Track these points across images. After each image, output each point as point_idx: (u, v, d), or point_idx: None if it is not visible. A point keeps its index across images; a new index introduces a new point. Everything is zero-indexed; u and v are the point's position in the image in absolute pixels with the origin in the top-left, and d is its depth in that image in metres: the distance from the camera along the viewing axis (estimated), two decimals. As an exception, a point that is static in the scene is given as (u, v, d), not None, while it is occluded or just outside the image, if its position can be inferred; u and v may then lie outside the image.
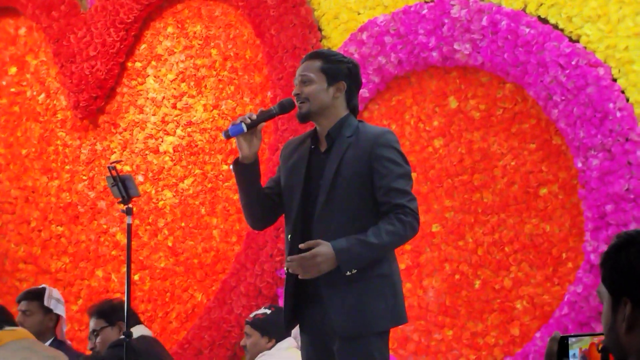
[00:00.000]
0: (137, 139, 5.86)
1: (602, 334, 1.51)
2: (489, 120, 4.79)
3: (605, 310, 1.51)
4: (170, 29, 5.84)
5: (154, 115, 5.83)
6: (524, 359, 4.51)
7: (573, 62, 4.41)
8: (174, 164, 5.74)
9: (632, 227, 4.25)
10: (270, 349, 4.10)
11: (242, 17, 5.54)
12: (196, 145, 5.68)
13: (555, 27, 4.57)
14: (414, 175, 4.83)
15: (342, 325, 2.82)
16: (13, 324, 4.02)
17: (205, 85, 5.68)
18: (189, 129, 5.71)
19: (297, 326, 3.02)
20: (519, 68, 4.55)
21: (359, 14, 5.13)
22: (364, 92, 4.84)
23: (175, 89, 5.78)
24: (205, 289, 5.53)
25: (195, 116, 5.70)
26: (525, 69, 4.53)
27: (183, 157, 5.71)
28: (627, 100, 4.37)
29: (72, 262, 6.00)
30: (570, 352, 1.48)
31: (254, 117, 2.91)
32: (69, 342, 4.88)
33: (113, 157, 5.82)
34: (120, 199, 4.00)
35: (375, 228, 2.80)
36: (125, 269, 3.97)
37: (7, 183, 6.30)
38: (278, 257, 5.08)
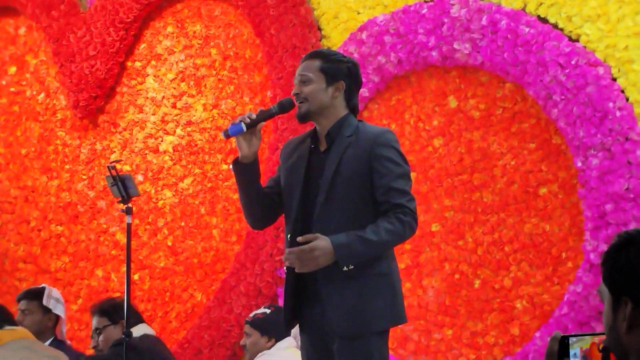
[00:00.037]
0: (137, 139, 5.86)
1: (602, 333, 1.51)
2: (489, 120, 4.79)
3: (606, 309, 1.51)
4: (169, 29, 5.84)
5: (153, 114, 5.83)
6: (523, 359, 4.51)
7: (573, 62, 4.41)
8: (174, 164, 5.74)
9: (632, 226, 4.25)
10: (269, 348, 4.10)
11: (242, 16, 5.54)
12: (196, 145, 5.68)
13: (555, 26, 4.57)
14: (413, 174, 4.86)
15: (341, 324, 2.82)
16: (13, 323, 4.02)
17: (205, 85, 5.69)
18: (188, 129, 5.71)
19: (297, 326, 3.02)
20: (519, 67, 4.55)
21: (358, 13, 5.13)
22: (363, 92, 4.84)
23: (175, 88, 5.78)
24: (205, 289, 5.53)
25: (195, 116, 5.70)
26: (525, 69, 4.53)
27: (183, 156, 5.71)
28: (627, 99, 4.37)
29: (71, 261, 6.00)
30: (571, 352, 1.48)
31: (254, 116, 2.92)
32: (68, 341, 4.88)
33: (113, 157, 5.82)
34: (120, 199, 4.00)
35: (374, 226, 2.80)
36: (125, 269, 3.97)
37: (7, 182, 6.30)
38: (278, 257, 5.08)
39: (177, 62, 5.78)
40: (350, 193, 2.85)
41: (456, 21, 4.71)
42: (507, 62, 4.58)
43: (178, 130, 5.75)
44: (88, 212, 5.98)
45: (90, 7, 5.98)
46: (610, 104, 4.32)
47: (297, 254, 2.76)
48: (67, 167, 6.08)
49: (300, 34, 5.16)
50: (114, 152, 5.91)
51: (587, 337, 1.50)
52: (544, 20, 4.61)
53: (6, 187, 6.29)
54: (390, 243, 2.82)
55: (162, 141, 5.79)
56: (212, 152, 5.62)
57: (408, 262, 4.89)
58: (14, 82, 6.37)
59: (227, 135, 2.91)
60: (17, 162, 6.29)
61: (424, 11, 4.81)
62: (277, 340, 4.09)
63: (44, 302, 4.59)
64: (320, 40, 5.17)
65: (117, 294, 5.44)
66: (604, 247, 4.28)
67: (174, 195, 5.71)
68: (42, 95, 6.24)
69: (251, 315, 4.27)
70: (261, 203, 2.99)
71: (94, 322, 4.26)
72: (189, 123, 5.71)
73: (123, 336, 3.88)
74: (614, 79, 4.40)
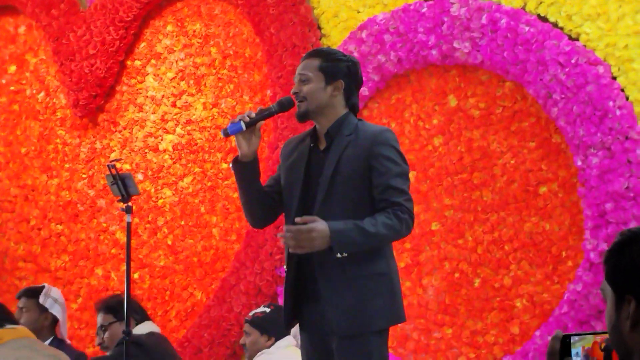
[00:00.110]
0: (137, 138, 5.86)
1: (604, 332, 1.50)
2: (489, 119, 4.79)
3: (609, 308, 1.51)
4: (169, 28, 5.84)
5: (153, 113, 5.84)
6: (523, 358, 4.51)
7: (573, 61, 4.41)
8: (174, 163, 5.74)
9: (632, 225, 4.26)
10: (269, 347, 4.10)
11: (242, 15, 5.55)
12: (196, 144, 5.68)
13: (555, 25, 4.57)
14: (413, 173, 4.86)
15: (341, 324, 2.82)
16: (14, 322, 4.01)
17: (205, 84, 5.69)
18: (188, 127, 5.72)
19: (297, 325, 3.01)
20: (519, 66, 4.55)
21: (358, 12, 5.13)
22: (363, 91, 4.84)
23: (174, 87, 5.79)
24: (205, 288, 5.54)
25: (194, 114, 5.70)
26: (525, 67, 4.53)
27: (182, 155, 5.72)
28: (627, 98, 4.38)
29: (71, 260, 6.01)
30: (573, 351, 1.48)
31: (253, 115, 2.92)
32: (68, 341, 4.88)
33: (113, 156, 5.83)
34: (119, 197, 4.00)
35: (372, 218, 2.80)
36: (124, 268, 3.97)
37: (7, 181, 6.30)
38: (278, 256, 5.08)
39: (177, 61, 5.78)
40: (349, 192, 2.85)
41: (456, 20, 4.72)
42: (507, 61, 4.58)
43: (178, 129, 5.75)
44: (88, 211, 5.99)
45: (90, 5, 5.99)
46: (610, 103, 4.33)
47: (294, 232, 2.75)
48: (67, 165, 6.09)
49: (300, 32, 5.17)
50: (114, 151, 5.92)
51: (589, 336, 1.49)
52: (543, 19, 4.61)
53: (6, 186, 6.29)
54: (386, 237, 2.81)
55: (162, 140, 5.80)
56: (212, 150, 5.63)
57: (408, 261, 4.90)
58: (14, 81, 6.37)
59: (227, 134, 2.91)
60: (17, 161, 6.29)
61: (424, 10, 4.82)
62: (277, 339, 4.09)
63: (40, 300, 4.58)
64: (320, 39, 5.18)
65: (118, 293, 5.44)
66: (604, 246, 4.28)
67: (173, 194, 5.71)
68: (42, 94, 6.25)
69: (251, 314, 4.27)
70: (261, 202, 2.99)
71: (99, 319, 4.24)
72: (189, 122, 5.71)
73: (123, 335, 3.88)
74: (614, 78, 4.40)
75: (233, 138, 2.93)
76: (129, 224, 3.92)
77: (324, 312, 2.85)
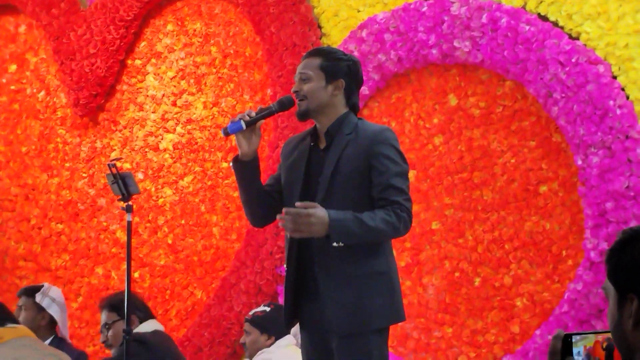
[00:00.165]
0: (137, 137, 5.87)
1: (606, 331, 1.50)
2: (489, 118, 4.80)
3: (611, 306, 1.51)
4: (170, 27, 5.85)
5: (153, 112, 5.84)
6: (523, 357, 4.51)
7: (573, 60, 4.42)
8: (174, 162, 5.75)
9: (632, 224, 4.26)
10: (269, 346, 4.10)
11: (242, 14, 5.55)
12: (196, 143, 5.69)
13: (555, 24, 4.58)
14: (413, 172, 4.86)
15: (340, 323, 2.83)
16: (15, 321, 4.01)
17: (205, 83, 5.69)
18: (188, 127, 5.72)
19: (297, 324, 3.02)
20: (519, 65, 4.55)
21: (358, 11, 5.14)
22: (363, 90, 4.84)
23: (175, 86, 5.79)
24: (205, 287, 5.54)
25: (195, 114, 5.71)
26: (525, 67, 4.53)
27: (183, 154, 5.72)
28: (627, 97, 4.38)
29: (72, 259, 6.02)
30: (575, 350, 1.48)
31: (253, 114, 2.92)
32: (69, 340, 4.88)
33: (113, 155, 5.83)
34: (120, 197, 4.00)
35: (372, 213, 2.80)
36: (125, 267, 3.98)
37: (7, 180, 6.31)
38: (278, 255, 5.09)
39: (177, 60, 5.79)
40: (349, 191, 2.86)
41: (456, 19, 4.72)
42: (507, 60, 4.59)
43: (178, 128, 5.76)
44: (88, 210, 5.99)
45: (90, 5, 5.99)
46: (611, 102, 4.33)
47: (293, 215, 2.74)
48: (67, 165, 6.10)
49: (300, 32, 5.17)
50: (114, 150, 5.93)
51: (590, 336, 1.49)
52: (544, 18, 4.61)
53: (6, 185, 6.30)
54: (384, 233, 2.80)
55: (162, 139, 5.80)
56: (212, 150, 5.63)
57: (408, 260, 4.90)
58: (15, 80, 6.38)
59: (227, 133, 2.91)
60: (17, 160, 6.30)
61: (424, 9, 4.82)
62: (277, 338, 4.10)
63: (37, 299, 4.57)
64: (320, 38, 5.18)
65: (122, 291, 5.44)
66: (604, 245, 4.28)
67: (174, 193, 5.72)
68: (43, 93, 6.25)
69: (251, 313, 4.28)
70: (261, 201, 3.00)
71: (103, 317, 4.23)
72: (189, 121, 5.72)
73: (123, 334, 3.87)
74: (614, 77, 4.40)
75: (233, 137, 2.93)
76: (129, 223, 3.93)
77: (323, 310, 2.85)
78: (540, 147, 4.66)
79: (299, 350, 3.11)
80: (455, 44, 4.72)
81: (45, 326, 4.58)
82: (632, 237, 1.50)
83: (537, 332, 4.50)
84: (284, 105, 2.98)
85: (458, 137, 4.86)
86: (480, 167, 4.80)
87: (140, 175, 5.76)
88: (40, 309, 4.58)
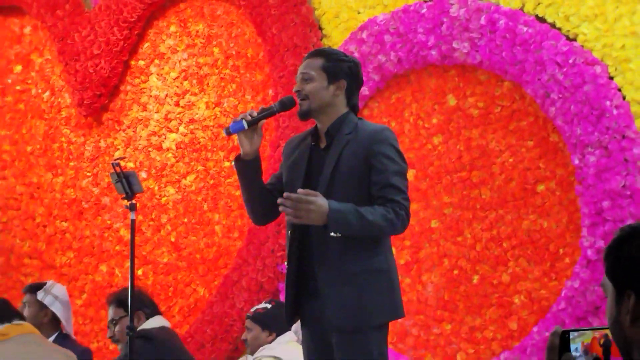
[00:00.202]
0: (141, 136, 5.89)
1: (603, 328, 1.50)
2: (487, 118, 4.82)
3: (610, 303, 1.51)
4: (173, 28, 5.87)
5: (157, 112, 5.86)
6: (521, 353, 4.52)
7: (570, 61, 4.43)
8: (177, 161, 5.77)
9: (629, 222, 4.27)
10: (270, 342, 4.11)
11: (244, 16, 5.57)
12: (198, 142, 5.71)
13: (553, 26, 4.59)
14: (413, 171, 4.89)
15: (340, 319, 2.84)
16: (21, 318, 4.05)
17: (208, 83, 5.72)
18: (191, 126, 5.74)
19: (298, 321, 3.03)
20: (517, 66, 4.57)
21: (359, 13, 5.15)
22: (364, 90, 4.86)
23: (178, 86, 5.82)
24: (208, 284, 5.56)
25: (197, 114, 5.73)
26: (523, 67, 4.55)
27: (186, 153, 5.74)
28: (624, 98, 4.39)
29: (76, 257, 6.04)
30: (572, 347, 1.48)
31: (255, 114, 2.93)
32: (73, 336, 4.91)
33: (117, 154, 5.85)
34: (124, 195, 4.01)
35: (371, 208, 2.81)
36: (129, 264, 4.00)
37: (13, 179, 6.33)
38: (279, 253, 5.11)
39: (180, 61, 5.81)
40: (348, 189, 2.87)
41: (455, 21, 4.74)
42: (505, 61, 4.60)
43: (181, 128, 5.78)
44: (92, 209, 6.01)
45: (94, 6, 6.01)
46: (607, 103, 4.34)
47: (294, 200, 2.75)
48: (71, 164, 6.12)
49: (302, 33, 5.19)
50: (118, 149, 5.95)
51: (588, 332, 1.49)
52: (542, 20, 4.62)
53: (12, 184, 6.33)
54: (381, 228, 2.81)
55: (165, 139, 5.82)
56: (215, 149, 5.66)
57: (407, 258, 4.93)
58: (20, 81, 6.40)
59: (229, 133, 2.92)
60: (22, 159, 6.32)
61: (424, 11, 4.84)
62: (278, 335, 4.10)
63: (39, 297, 4.58)
64: (321, 40, 5.19)
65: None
66: (601, 244, 4.31)
67: (177, 192, 5.74)
68: (47, 93, 6.28)
69: (252, 310, 4.28)
70: (263, 199, 3.01)
71: (110, 312, 4.23)
72: (192, 121, 5.74)
73: (127, 330, 3.89)
74: (611, 78, 4.41)
75: (235, 137, 2.95)
76: (132, 221, 3.92)
77: (324, 307, 2.86)
78: (538, 147, 4.68)
79: (300, 347, 3.12)
80: (454, 45, 4.74)
81: (48, 323, 4.58)
82: (629, 235, 1.51)
83: (535, 328, 4.51)
84: (285, 105, 3.00)
85: (457, 136, 4.88)
86: (479, 167, 4.82)
87: (143, 174, 5.79)
88: (43, 307, 4.59)
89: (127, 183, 3.96)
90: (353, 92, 3.01)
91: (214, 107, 5.67)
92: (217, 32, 5.70)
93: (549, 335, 1.50)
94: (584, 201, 4.41)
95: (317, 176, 2.93)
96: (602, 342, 1.49)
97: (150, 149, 5.84)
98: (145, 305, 4.17)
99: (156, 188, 5.79)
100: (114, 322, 4.21)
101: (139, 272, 5.73)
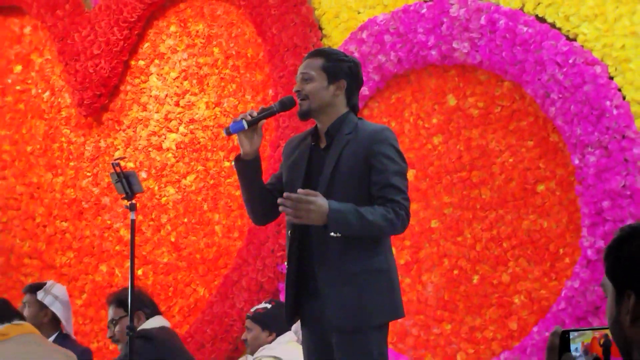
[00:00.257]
0: (141, 136, 5.90)
1: (603, 328, 1.50)
2: (487, 118, 4.82)
3: (610, 303, 1.51)
4: (173, 28, 5.88)
5: (157, 112, 5.87)
6: (521, 353, 4.53)
7: (570, 61, 4.44)
8: (177, 161, 5.78)
9: (629, 222, 4.27)
10: (270, 342, 4.11)
11: (244, 16, 5.58)
12: (198, 142, 5.72)
13: (553, 26, 4.60)
14: (413, 171, 4.90)
15: (340, 319, 2.85)
16: (21, 318, 4.05)
17: (208, 83, 5.72)
18: (191, 126, 5.75)
19: (298, 321, 3.04)
20: (517, 66, 4.58)
21: (359, 13, 5.16)
22: (364, 90, 4.87)
23: (178, 86, 5.82)
24: (208, 284, 5.57)
25: (197, 114, 5.74)
26: (523, 67, 4.55)
27: (186, 153, 5.75)
28: (624, 98, 4.39)
29: (76, 257, 6.04)
30: (573, 347, 1.47)
31: (255, 114, 2.93)
32: (74, 336, 4.91)
33: (117, 154, 5.85)
34: (124, 195, 4.02)
35: (371, 208, 2.81)
36: (129, 264, 4.01)
37: (13, 179, 6.34)
38: (279, 253, 5.11)
39: (180, 61, 5.82)
40: (349, 190, 2.87)
41: (455, 21, 4.74)
42: (505, 61, 4.61)
43: (181, 128, 5.79)
44: (92, 209, 6.02)
45: (94, 6, 6.01)
46: (607, 103, 4.35)
47: (294, 199, 2.75)
48: (71, 164, 6.13)
49: (302, 33, 5.19)
50: (118, 149, 5.95)
51: (588, 332, 1.49)
52: (542, 20, 4.63)
53: (12, 184, 6.33)
54: (381, 228, 2.82)
55: (165, 139, 5.83)
56: (215, 149, 5.66)
57: (408, 258, 4.93)
58: (20, 81, 6.41)
59: (229, 133, 2.92)
60: (22, 159, 6.33)
61: (424, 11, 4.84)
62: (278, 335, 4.11)
63: (39, 297, 4.58)
64: (321, 40, 5.20)
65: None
66: (601, 244, 4.31)
67: (177, 192, 5.74)
68: (47, 93, 6.29)
69: (252, 310, 4.29)
70: (263, 199, 3.01)
71: (111, 312, 4.24)
72: (192, 121, 5.75)
73: (127, 330, 3.89)
74: (611, 78, 4.42)
75: (235, 136, 2.95)
76: (132, 221, 3.92)
77: (324, 307, 2.87)
78: (538, 147, 4.68)
79: (300, 347, 3.13)
80: (454, 45, 4.75)
81: (48, 323, 4.59)
82: (629, 234, 1.51)
83: (535, 328, 4.52)
84: (285, 105, 3.00)
85: (457, 136, 4.88)
86: (479, 167, 4.82)
87: (143, 174, 5.79)
88: (43, 307, 4.59)
89: (127, 183, 3.97)
90: (353, 92, 3.02)
91: (214, 107, 5.68)
92: (217, 32, 5.70)
93: (549, 335, 1.49)
94: (584, 201, 4.41)
95: (317, 176, 2.94)
96: (602, 342, 1.49)
97: (150, 149, 5.85)
98: (145, 305, 4.17)
99: (156, 188, 5.80)
100: (114, 322, 4.22)
101: (139, 272, 5.73)
